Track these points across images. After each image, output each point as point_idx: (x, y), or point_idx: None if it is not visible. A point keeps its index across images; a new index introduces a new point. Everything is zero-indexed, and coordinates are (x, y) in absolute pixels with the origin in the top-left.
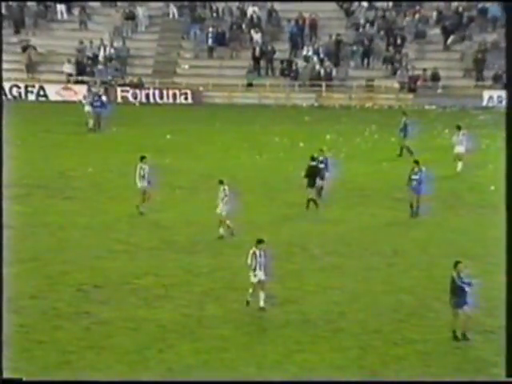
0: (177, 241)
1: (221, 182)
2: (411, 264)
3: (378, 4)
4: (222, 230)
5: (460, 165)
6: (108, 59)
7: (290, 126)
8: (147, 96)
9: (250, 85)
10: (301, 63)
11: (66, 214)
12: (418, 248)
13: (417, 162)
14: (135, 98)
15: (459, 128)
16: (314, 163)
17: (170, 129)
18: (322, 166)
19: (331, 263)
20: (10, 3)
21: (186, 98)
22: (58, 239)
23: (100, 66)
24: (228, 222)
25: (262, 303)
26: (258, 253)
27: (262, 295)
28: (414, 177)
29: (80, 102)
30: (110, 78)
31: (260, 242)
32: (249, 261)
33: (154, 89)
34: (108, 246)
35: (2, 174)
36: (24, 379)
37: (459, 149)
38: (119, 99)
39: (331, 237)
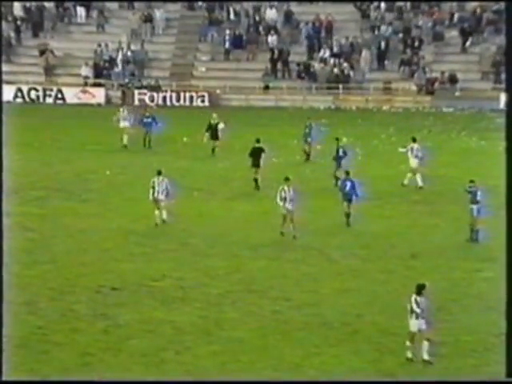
0: (194, 243)
1: (286, 179)
2: (429, 267)
3: (396, 5)
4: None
5: (408, 177)
6: (125, 62)
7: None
8: (164, 99)
9: (266, 87)
10: (318, 65)
11: (83, 217)
12: (436, 251)
13: (472, 181)
14: (152, 100)
15: (414, 140)
16: (258, 145)
17: (187, 131)
18: (348, 188)
19: (349, 266)
20: (28, 5)
21: (202, 101)
22: (76, 242)
23: (117, 69)
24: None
25: (425, 356)
26: (419, 299)
27: (425, 346)
28: (476, 198)
29: (117, 120)
30: (127, 80)
31: (422, 286)
32: (408, 307)
33: (171, 91)
34: (126, 249)
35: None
36: (24, 379)
37: (414, 162)
38: (136, 102)
39: (349, 240)
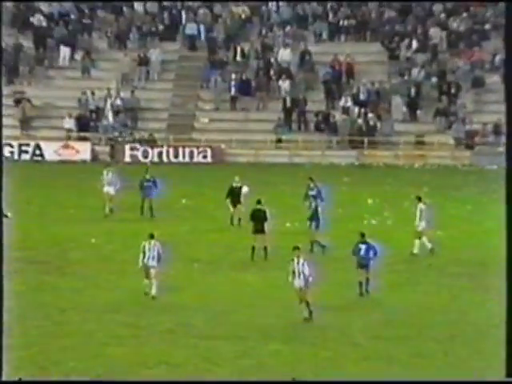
0: (193, 323)
1: (295, 249)
2: (471, 351)
3: (430, 44)
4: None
5: (418, 243)
6: (115, 112)
7: (325, 188)
8: (160, 154)
9: (279, 141)
10: (339, 116)
11: (64, 293)
12: (478, 333)
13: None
14: (146, 156)
15: (420, 200)
16: (259, 206)
17: (186, 192)
18: (362, 253)
19: (376, 350)
20: (4, 45)
21: (204, 157)
22: (55, 322)
23: (105, 121)
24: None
25: None
26: None
27: None
28: None
29: (102, 185)
30: (117, 134)
31: None
32: None
33: (168, 146)
34: (113, 331)
35: None
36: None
37: (420, 225)
38: (127, 158)
39: (375, 319)
